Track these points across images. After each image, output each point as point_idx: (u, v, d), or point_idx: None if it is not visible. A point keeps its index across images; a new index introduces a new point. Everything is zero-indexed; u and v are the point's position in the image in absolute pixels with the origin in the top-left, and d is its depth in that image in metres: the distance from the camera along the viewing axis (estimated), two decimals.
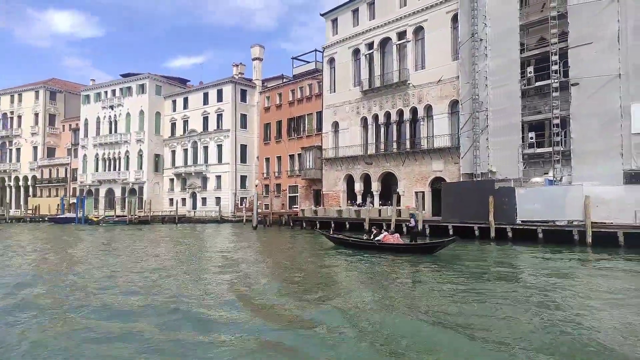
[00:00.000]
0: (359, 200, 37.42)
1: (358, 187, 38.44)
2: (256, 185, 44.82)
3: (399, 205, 33.06)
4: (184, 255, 20.44)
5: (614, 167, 22.57)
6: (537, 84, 26.26)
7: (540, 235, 22.56)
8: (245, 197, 51.13)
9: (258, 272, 15.37)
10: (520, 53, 27.00)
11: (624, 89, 22.48)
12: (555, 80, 24.62)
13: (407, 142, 34.98)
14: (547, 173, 25.70)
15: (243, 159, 52.19)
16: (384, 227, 25.62)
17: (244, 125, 52.28)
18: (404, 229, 26.11)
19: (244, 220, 44.61)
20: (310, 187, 44.30)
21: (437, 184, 32.00)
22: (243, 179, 52.05)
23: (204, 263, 17.87)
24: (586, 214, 20.83)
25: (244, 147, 52.32)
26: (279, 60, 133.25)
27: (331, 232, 23.71)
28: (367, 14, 38.41)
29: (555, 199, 22.51)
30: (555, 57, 24.51)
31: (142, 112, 57.04)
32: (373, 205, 35.49)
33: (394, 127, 36.22)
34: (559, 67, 25.04)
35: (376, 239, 19.00)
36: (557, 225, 22.33)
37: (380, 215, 32.06)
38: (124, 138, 58.00)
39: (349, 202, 38.55)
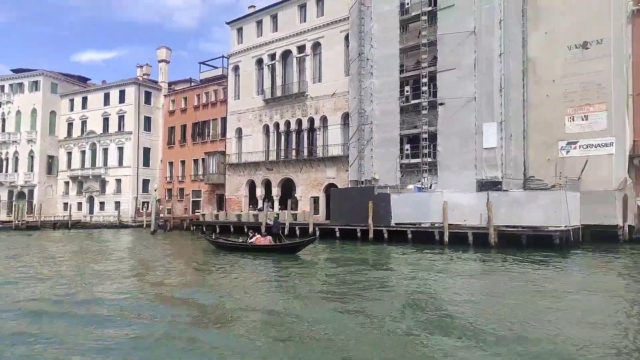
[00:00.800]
0: (260, 204, 38.79)
1: (259, 192, 39.79)
2: (155, 189, 44.32)
3: (296, 210, 35.08)
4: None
5: (470, 177, 26.27)
6: (413, 102, 29.57)
7: (410, 236, 25.55)
8: (148, 202, 50.09)
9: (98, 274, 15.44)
10: (401, 73, 30.22)
11: (478, 110, 26.30)
12: (425, 100, 28.06)
13: (305, 150, 37.09)
14: (420, 181, 29.01)
15: (146, 163, 51.09)
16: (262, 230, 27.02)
17: (147, 127, 51.26)
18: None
19: (144, 225, 43.85)
20: (214, 192, 44.79)
21: (330, 190, 34.39)
22: (146, 182, 50.94)
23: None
24: (444, 217, 24.09)
25: (147, 150, 51.26)
26: (195, 62, 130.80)
27: (214, 237, 24.62)
28: (270, 26, 40.10)
29: (422, 204, 25.64)
30: (425, 80, 27.97)
31: (34, 111, 53.49)
32: (272, 209, 37.06)
33: (294, 135, 38.19)
34: (430, 88, 28.55)
35: (249, 241, 20.52)
36: (423, 227, 25.45)
37: (278, 218, 33.67)
38: (12, 138, 53.89)
39: (250, 206, 39.76)
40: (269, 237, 20.82)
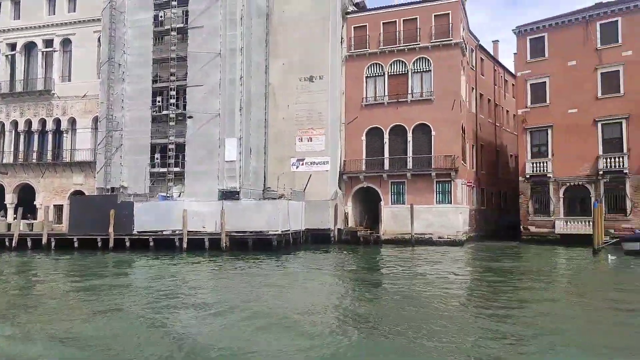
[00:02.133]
0: None
1: None
2: None
3: (36, 219, 31.70)
4: None
5: (213, 187, 28.40)
6: (164, 112, 30.32)
7: (152, 244, 26.10)
8: None
9: None
10: (155, 83, 30.63)
11: (221, 126, 28.72)
12: (173, 112, 29.20)
13: (49, 154, 33.82)
14: (170, 189, 29.85)
15: None
16: None
17: None
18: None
19: None
20: None
21: (71, 197, 32.21)
22: None
23: None
24: (184, 225, 25.47)
25: None
26: None
27: None
28: (11, 12, 35.41)
29: (165, 212, 26.52)
30: (173, 92, 29.14)
31: None
32: (6, 218, 32.54)
33: (36, 136, 34.38)
34: (182, 100, 29.81)
35: None
36: (165, 234, 26.33)
37: (9, 229, 29.76)
38: None
39: None
40: None
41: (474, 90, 36.03)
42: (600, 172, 28.68)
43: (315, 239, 29.59)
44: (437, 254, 24.54)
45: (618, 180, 28.43)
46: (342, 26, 32.05)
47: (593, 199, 27.85)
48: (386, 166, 30.75)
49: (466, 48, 32.05)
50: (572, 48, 29.93)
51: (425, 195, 29.73)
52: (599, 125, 29.12)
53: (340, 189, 31.35)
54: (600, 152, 28.95)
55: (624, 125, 28.40)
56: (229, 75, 28.70)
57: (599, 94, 29.08)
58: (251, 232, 25.38)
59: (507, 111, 42.61)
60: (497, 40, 42.61)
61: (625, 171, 28.01)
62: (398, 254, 24.94)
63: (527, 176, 31.25)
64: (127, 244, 26.43)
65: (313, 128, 31.06)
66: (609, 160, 28.60)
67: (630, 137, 28.18)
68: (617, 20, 28.68)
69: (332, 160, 30.88)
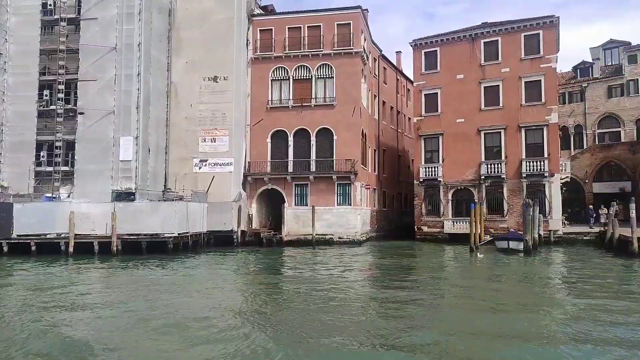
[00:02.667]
0: None
1: None
2: None
3: None
4: None
5: (106, 187, 27.00)
6: (52, 107, 28.27)
7: (34, 248, 24.16)
8: None
9: None
10: (43, 75, 28.42)
11: (117, 124, 27.41)
12: (61, 107, 27.36)
13: None
14: (58, 190, 27.85)
15: None
16: None
17: None
18: None
19: None
20: None
21: None
22: None
23: None
24: (70, 227, 23.91)
25: None
26: None
27: None
28: None
29: (49, 214, 24.67)
30: (61, 86, 27.27)
31: None
32: None
33: None
34: (73, 95, 27.97)
35: None
36: (49, 237, 24.51)
37: None
38: None
39: None
40: None
41: (377, 97, 37.88)
42: (482, 177, 31.58)
43: (218, 241, 29.25)
44: (336, 254, 25.51)
45: (497, 184, 31.50)
46: (248, 28, 32.11)
47: (476, 201, 30.62)
48: (290, 168, 31.29)
49: (368, 57, 33.63)
50: (460, 62, 32.65)
51: (327, 197, 30.71)
52: (482, 134, 32.06)
53: (244, 190, 31.32)
54: (483, 159, 31.88)
55: (502, 135, 31.55)
56: (126, 71, 27.49)
57: (482, 106, 32.03)
58: (145, 234, 24.50)
59: (409, 118, 45.25)
60: (400, 52, 45.16)
61: (503, 176, 31.10)
62: (298, 255, 25.55)
63: (421, 180, 33.51)
64: (5, 248, 24.26)
65: (217, 129, 30.72)
66: (489, 166, 31.57)
67: (507, 146, 31.37)
68: (498, 40, 31.82)
69: (236, 162, 30.77)
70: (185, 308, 12.03)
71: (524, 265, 20.79)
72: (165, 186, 30.35)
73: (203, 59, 30.78)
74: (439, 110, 33.31)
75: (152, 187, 28.80)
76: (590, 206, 33.62)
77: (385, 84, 40.05)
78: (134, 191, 27.12)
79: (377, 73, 37.80)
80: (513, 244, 23.96)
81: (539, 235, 27.85)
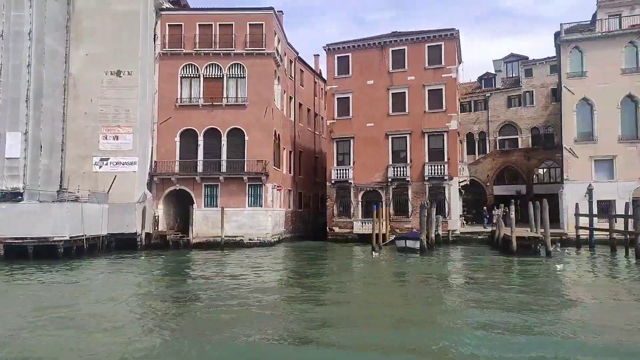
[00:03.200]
0: None
1: None
2: None
3: None
4: None
5: None
6: None
7: None
8: None
9: None
10: None
11: (2, 118, 25.11)
12: None
13: None
14: None
15: None
16: None
17: None
18: None
19: None
20: None
21: None
22: None
23: None
24: None
25: None
26: None
27: None
28: None
29: None
30: None
31: None
32: None
33: None
34: None
35: None
36: None
37: None
38: None
39: None
40: None
41: (293, 99, 38.11)
42: (390, 180, 32.93)
43: (120, 245, 27.77)
44: (243, 256, 25.30)
45: (403, 186, 32.99)
46: (156, 22, 30.88)
47: (383, 203, 31.88)
48: (200, 169, 30.55)
49: (282, 59, 33.73)
50: (371, 69, 33.81)
51: (237, 198, 30.36)
52: (390, 138, 33.42)
53: (150, 191, 30.08)
54: (390, 162, 33.24)
55: (408, 139, 33.10)
56: (13, 61, 25.26)
57: (390, 111, 33.40)
58: (32, 238, 22.70)
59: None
60: (318, 55, 45.72)
61: (408, 179, 32.64)
62: (205, 257, 25.05)
63: (333, 181, 34.24)
64: None
65: (120, 126, 29.18)
66: (396, 169, 32.99)
67: (412, 150, 32.97)
68: (405, 49, 33.34)
69: (141, 161, 29.44)
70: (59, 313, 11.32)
71: (410, 264, 22.03)
72: (60, 186, 28.29)
73: (106, 51, 29.07)
74: (351, 114, 34.25)
75: (44, 187, 26.67)
76: (485, 207, 36.22)
77: (302, 86, 40.42)
78: (21, 191, 24.99)
79: (293, 75, 38.03)
80: (410, 243, 25.22)
81: (438, 234, 29.66)
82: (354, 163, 33.96)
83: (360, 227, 33.09)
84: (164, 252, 27.71)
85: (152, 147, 30.49)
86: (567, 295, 14.17)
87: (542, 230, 22.53)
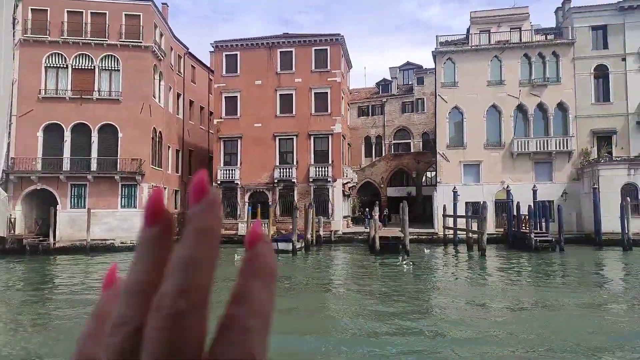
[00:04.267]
0: None
1: None
2: None
3: None
4: None
5: None
6: None
7: None
8: None
9: None
10: None
11: None
12: None
13: None
14: None
15: None
16: None
17: None
18: None
19: None
20: None
21: None
22: None
23: None
24: None
25: None
26: None
27: None
28: None
29: None
30: None
31: None
32: None
33: None
34: None
35: None
36: None
37: None
38: None
39: None
40: None
41: (182, 96, 36.63)
42: (276, 181, 32.74)
43: None
44: (109, 261, 23.55)
45: (289, 187, 32.97)
46: (17, 5, 28.05)
47: (270, 204, 31.59)
48: (66, 167, 28.18)
49: (164, 54, 32.22)
50: (259, 69, 33.43)
51: (109, 198, 28.41)
52: (277, 139, 33.27)
53: (5, 190, 27.17)
54: (277, 163, 33.10)
55: (294, 141, 33.16)
56: None
57: (278, 112, 33.27)
58: None
59: None
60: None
61: (294, 180, 32.67)
62: (66, 263, 23.03)
63: (219, 182, 33.34)
64: None
65: None
66: (282, 170, 32.90)
67: (299, 152, 33.08)
68: (293, 51, 33.40)
69: None
70: None
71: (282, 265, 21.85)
72: None
73: None
74: (239, 114, 33.62)
75: None
76: (367, 209, 37.37)
77: (194, 83, 39.06)
78: None
79: (181, 71, 36.58)
80: (282, 245, 25.10)
81: (319, 235, 29.97)
82: (241, 163, 33.36)
83: (246, 228, 32.48)
84: (20, 258, 25.11)
85: (7, 142, 27.60)
86: (407, 292, 14.72)
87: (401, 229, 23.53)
